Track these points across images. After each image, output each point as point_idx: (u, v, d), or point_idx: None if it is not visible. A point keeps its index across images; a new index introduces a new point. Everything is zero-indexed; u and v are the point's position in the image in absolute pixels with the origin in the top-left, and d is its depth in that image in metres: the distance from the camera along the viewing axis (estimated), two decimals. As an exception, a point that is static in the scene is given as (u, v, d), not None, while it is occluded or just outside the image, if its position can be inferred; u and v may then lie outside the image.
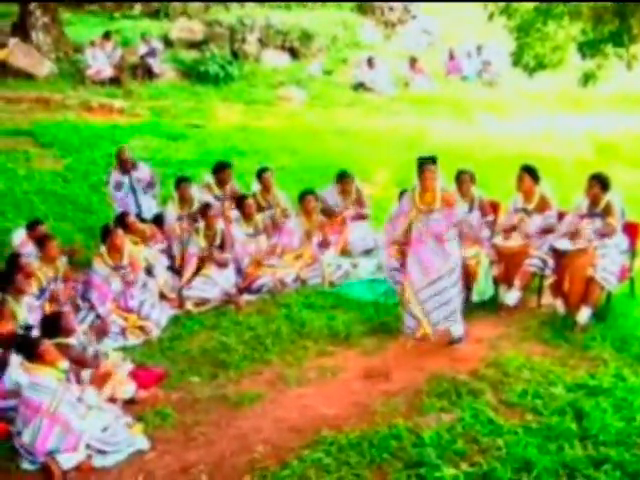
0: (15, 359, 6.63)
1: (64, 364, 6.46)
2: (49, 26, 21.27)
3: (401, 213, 8.03)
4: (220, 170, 10.91)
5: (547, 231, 8.74)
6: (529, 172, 8.90)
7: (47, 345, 6.42)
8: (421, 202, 7.81)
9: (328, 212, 10.71)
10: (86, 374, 6.82)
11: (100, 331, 8.31)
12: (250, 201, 10.26)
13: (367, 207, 10.95)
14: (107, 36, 21.35)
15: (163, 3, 26.27)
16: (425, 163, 7.79)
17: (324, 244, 10.18)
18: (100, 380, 6.82)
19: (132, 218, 9.87)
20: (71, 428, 6.06)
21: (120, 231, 8.96)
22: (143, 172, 11.04)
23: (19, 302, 7.70)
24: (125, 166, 10.91)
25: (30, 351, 6.36)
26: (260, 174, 10.84)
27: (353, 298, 9.27)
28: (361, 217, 10.83)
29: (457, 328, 7.92)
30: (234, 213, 10.35)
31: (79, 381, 6.67)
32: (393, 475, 5.67)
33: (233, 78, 22.08)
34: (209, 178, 11.01)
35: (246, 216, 10.18)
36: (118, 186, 10.90)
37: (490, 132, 17.80)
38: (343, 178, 10.85)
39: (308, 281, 9.82)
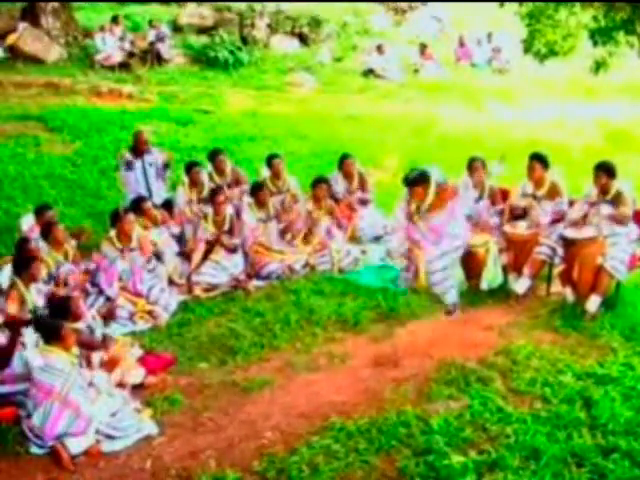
0: (30, 340, 6.61)
1: (76, 349, 6.48)
2: (58, 10, 21.21)
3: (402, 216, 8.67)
4: (213, 159, 10.90)
5: (557, 219, 8.70)
6: (539, 160, 8.86)
7: (69, 329, 6.43)
8: (415, 211, 8.42)
9: (334, 198, 10.71)
10: (96, 358, 6.83)
11: (108, 313, 8.32)
12: (265, 191, 10.24)
13: (369, 191, 10.95)
14: (116, 21, 21.31)
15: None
16: (412, 185, 8.38)
17: (335, 228, 10.19)
18: (109, 364, 6.84)
19: (148, 204, 9.77)
20: (81, 412, 6.07)
21: (131, 217, 8.93)
22: (155, 157, 10.94)
23: (28, 287, 7.68)
24: (138, 149, 10.84)
25: (51, 333, 6.36)
26: (270, 160, 10.81)
27: (362, 285, 9.23)
28: (364, 202, 10.84)
29: (452, 294, 8.45)
30: (247, 199, 10.30)
31: (90, 365, 6.68)
32: (401, 462, 5.67)
33: (242, 64, 22.05)
34: (210, 168, 10.96)
35: (260, 204, 10.15)
36: (129, 166, 10.80)
37: (500, 119, 17.74)
38: (344, 160, 10.90)
39: (317, 267, 9.80)
